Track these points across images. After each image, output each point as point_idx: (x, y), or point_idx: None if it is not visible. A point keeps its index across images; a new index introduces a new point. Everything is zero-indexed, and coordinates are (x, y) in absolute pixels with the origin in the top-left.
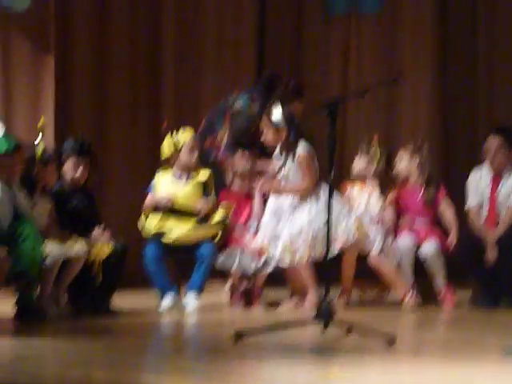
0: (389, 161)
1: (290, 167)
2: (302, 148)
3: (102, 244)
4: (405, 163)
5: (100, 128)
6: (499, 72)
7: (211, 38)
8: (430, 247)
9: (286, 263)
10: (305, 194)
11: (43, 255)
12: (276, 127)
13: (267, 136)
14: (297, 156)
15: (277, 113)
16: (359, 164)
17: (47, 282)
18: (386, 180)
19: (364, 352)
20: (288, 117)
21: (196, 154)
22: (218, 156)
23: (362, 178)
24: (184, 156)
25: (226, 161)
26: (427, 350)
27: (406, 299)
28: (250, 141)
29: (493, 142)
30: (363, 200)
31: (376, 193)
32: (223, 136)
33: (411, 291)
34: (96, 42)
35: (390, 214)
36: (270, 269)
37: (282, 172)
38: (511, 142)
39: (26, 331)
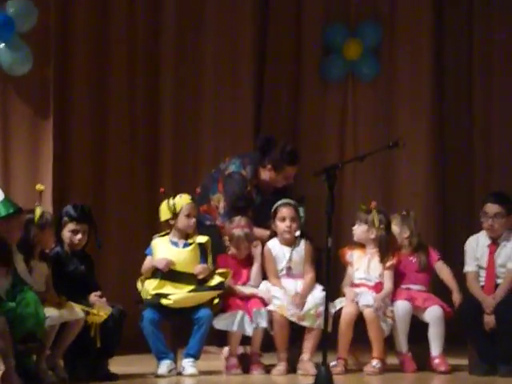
0: (388, 226)
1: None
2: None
3: (99, 309)
4: (395, 232)
5: (98, 192)
6: (495, 135)
7: (209, 99)
8: (434, 311)
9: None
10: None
11: (44, 318)
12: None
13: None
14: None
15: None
16: (359, 230)
17: (44, 347)
18: (387, 246)
19: None
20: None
21: (193, 220)
22: (216, 222)
23: (362, 244)
24: (181, 222)
25: (224, 227)
26: None
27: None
28: (246, 204)
29: (490, 209)
30: (363, 265)
31: (376, 258)
32: (218, 201)
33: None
34: (95, 107)
35: (388, 280)
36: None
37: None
38: (508, 208)
39: None
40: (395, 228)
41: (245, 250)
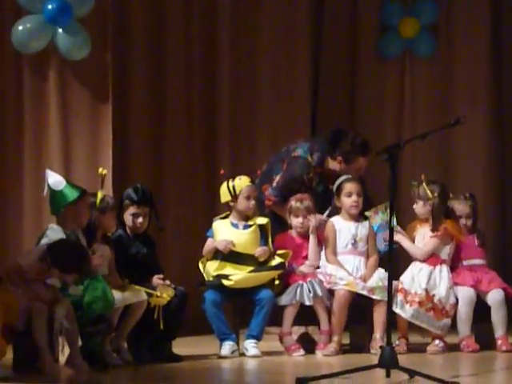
0: (445, 196)
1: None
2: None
3: (162, 291)
4: (458, 210)
5: (157, 175)
6: None
7: (266, 78)
8: (496, 295)
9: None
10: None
11: (113, 299)
12: None
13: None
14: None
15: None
16: (418, 207)
17: (112, 328)
18: (439, 214)
19: None
20: None
21: (253, 202)
22: (265, 195)
23: (426, 219)
24: (241, 203)
25: (272, 201)
26: None
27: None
28: (299, 188)
29: None
30: (420, 239)
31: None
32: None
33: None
34: (153, 90)
35: (428, 245)
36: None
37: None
38: None
39: (87, 379)
40: (458, 207)
41: (305, 221)
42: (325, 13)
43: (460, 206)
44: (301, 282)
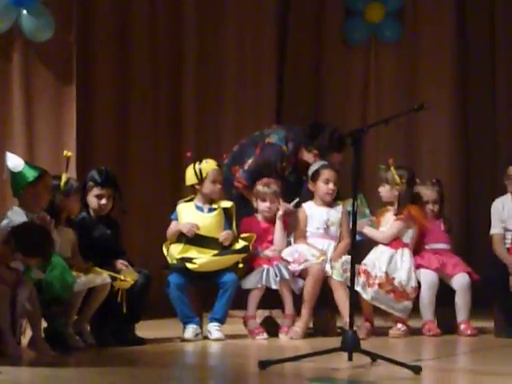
0: (412, 181)
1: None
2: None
3: (126, 274)
4: (425, 195)
5: (122, 158)
6: None
7: (232, 60)
8: (461, 279)
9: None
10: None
11: (72, 281)
12: None
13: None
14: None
15: None
16: (383, 191)
17: (71, 312)
18: (405, 199)
19: (391, 381)
20: None
21: (219, 186)
22: (236, 177)
23: (391, 204)
24: (207, 187)
25: (242, 184)
26: (454, 380)
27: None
28: (270, 175)
29: None
30: (386, 224)
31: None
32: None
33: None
34: (118, 72)
35: (391, 228)
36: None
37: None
38: None
39: (50, 361)
40: (425, 192)
41: (272, 205)
42: None
43: (427, 192)
44: (266, 266)
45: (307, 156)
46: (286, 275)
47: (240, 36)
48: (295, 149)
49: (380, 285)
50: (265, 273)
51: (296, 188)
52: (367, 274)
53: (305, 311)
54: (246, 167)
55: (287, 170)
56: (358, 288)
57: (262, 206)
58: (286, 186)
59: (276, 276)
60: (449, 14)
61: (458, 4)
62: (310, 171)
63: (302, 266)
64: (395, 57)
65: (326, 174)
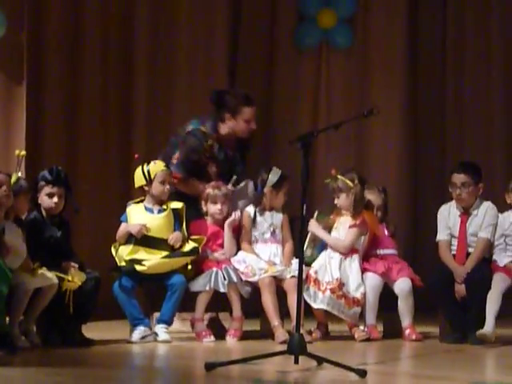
0: (362, 181)
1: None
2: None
3: (74, 275)
4: (373, 198)
5: (72, 158)
6: (467, 108)
7: (184, 63)
8: (403, 284)
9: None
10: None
11: (6, 289)
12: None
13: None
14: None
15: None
16: (341, 201)
17: (17, 312)
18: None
19: None
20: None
21: (168, 187)
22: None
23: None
24: (156, 188)
25: (178, 178)
26: None
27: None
28: (200, 159)
29: (457, 179)
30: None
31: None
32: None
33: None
34: (68, 75)
35: (349, 235)
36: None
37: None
38: (475, 177)
39: None
40: (371, 197)
41: (223, 207)
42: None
43: (373, 197)
44: (215, 268)
45: (224, 127)
46: (234, 278)
47: (191, 37)
48: (214, 126)
49: (331, 289)
50: (213, 275)
51: (226, 165)
52: (317, 282)
53: (278, 323)
54: (174, 161)
55: (215, 148)
56: (306, 297)
57: (213, 208)
58: (220, 167)
59: (224, 279)
60: (400, 20)
61: (409, 11)
62: (272, 180)
63: (250, 280)
64: (346, 63)
65: (287, 185)
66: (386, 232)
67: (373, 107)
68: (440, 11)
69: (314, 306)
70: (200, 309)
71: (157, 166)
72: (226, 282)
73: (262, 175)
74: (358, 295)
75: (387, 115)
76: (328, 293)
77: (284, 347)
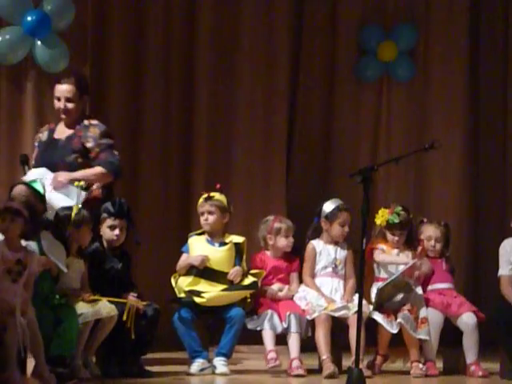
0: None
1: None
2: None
3: (134, 306)
4: (430, 233)
5: (132, 190)
6: None
7: (244, 100)
8: (468, 319)
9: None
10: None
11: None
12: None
13: None
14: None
15: None
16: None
17: (79, 343)
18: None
19: None
20: None
21: (205, 217)
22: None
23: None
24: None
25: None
26: None
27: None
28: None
29: None
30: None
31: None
32: None
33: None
34: (131, 105)
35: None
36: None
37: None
38: None
39: None
40: (429, 228)
41: (291, 239)
42: (303, 33)
43: (431, 228)
44: (270, 310)
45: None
46: (294, 328)
47: (253, 71)
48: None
49: (408, 310)
50: (268, 318)
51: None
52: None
53: (328, 357)
54: None
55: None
56: (378, 319)
57: (285, 242)
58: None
59: (281, 322)
60: (461, 53)
61: (471, 43)
62: (326, 210)
63: (309, 317)
64: (407, 95)
65: (343, 216)
66: (444, 266)
67: (434, 140)
68: (501, 45)
69: (389, 329)
70: (268, 342)
71: (200, 200)
72: (283, 326)
73: (320, 207)
74: (425, 314)
75: (448, 149)
76: (406, 312)
77: (332, 382)
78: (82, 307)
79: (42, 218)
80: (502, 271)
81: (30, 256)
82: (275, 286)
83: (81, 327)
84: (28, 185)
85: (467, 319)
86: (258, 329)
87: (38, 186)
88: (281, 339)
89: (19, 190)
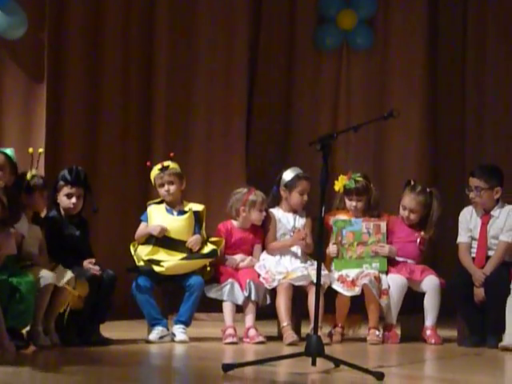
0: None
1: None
2: None
3: (79, 286)
4: (405, 202)
5: (91, 157)
6: (488, 110)
7: (203, 74)
8: (431, 281)
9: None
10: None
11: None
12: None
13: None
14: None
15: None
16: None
17: (40, 308)
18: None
19: None
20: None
21: (166, 188)
22: None
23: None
24: (159, 192)
25: None
26: None
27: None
28: None
29: (472, 183)
30: None
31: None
32: None
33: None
34: (89, 72)
35: None
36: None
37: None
38: (489, 182)
39: (15, 359)
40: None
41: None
42: (263, 0)
43: (408, 198)
44: (230, 280)
45: None
46: (253, 296)
47: (212, 39)
48: None
49: (374, 275)
50: (228, 288)
51: None
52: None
53: (289, 325)
54: None
55: None
56: (338, 288)
57: (258, 215)
58: None
59: (243, 292)
60: (420, 21)
61: (430, 11)
62: (285, 179)
63: (269, 287)
64: (366, 64)
65: (303, 185)
66: (417, 244)
67: (393, 109)
68: (460, 10)
69: (348, 294)
70: (227, 316)
71: (153, 171)
72: (244, 295)
73: (279, 175)
74: (386, 287)
75: (407, 117)
76: (371, 277)
77: (292, 349)
78: (42, 271)
79: (21, 202)
80: (461, 238)
81: (7, 242)
82: (238, 257)
83: (42, 290)
84: (3, 153)
85: (430, 281)
86: (219, 299)
87: (11, 153)
88: (240, 306)
89: None
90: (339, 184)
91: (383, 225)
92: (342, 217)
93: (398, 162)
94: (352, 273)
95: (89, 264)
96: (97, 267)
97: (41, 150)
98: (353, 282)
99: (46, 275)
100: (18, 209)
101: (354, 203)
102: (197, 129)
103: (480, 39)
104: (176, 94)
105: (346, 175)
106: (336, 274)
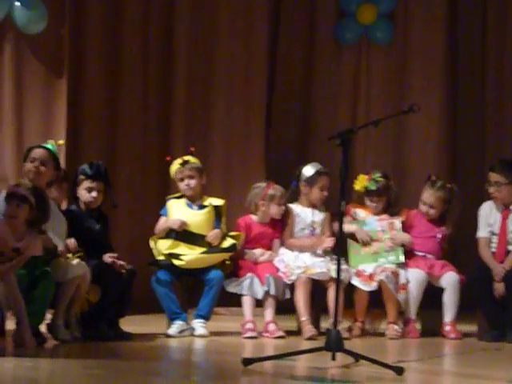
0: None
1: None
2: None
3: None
4: (424, 198)
5: (111, 152)
6: (508, 106)
7: (223, 62)
8: (451, 277)
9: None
10: None
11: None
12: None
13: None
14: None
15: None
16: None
17: (63, 302)
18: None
19: (373, 382)
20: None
21: (186, 182)
22: None
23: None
24: (180, 186)
25: None
26: (436, 382)
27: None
28: None
29: (491, 178)
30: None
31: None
32: None
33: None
34: (109, 66)
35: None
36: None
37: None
38: (509, 177)
39: (37, 353)
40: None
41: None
42: None
43: (427, 194)
44: (250, 274)
45: None
46: (273, 290)
47: (231, 35)
48: None
49: (391, 270)
50: (248, 282)
51: None
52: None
53: (308, 319)
54: None
55: None
56: (356, 283)
57: (277, 209)
58: None
59: (262, 286)
60: (440, 16)
61: (450, 7)
62: (305, 174)
63: (288, 281)
64: (386, 58)
65: (323, 180)
66: (438, 239)
67: (413, 104)
68: (481, 5)
69: (365, 288)
70: (247, 310)
71: (173, 165)
72: (264, 289)
73: (298, 170)
74: (405, 281)
75: (427, 112)
76: (388, 272)
77: (311, 343)
78: (69, 264)
79: (49, 204)
80: (480, 233)
81: (33, 243)
82: (257, 251)
83: (68, 282)
84: (46, 148)
85: (450, 277)
86: (238, 293)
87: (53, 148)
88: (259, 300)
89: (40, 153)
90: (360, 184)
91: (398, 222)
92: (359, 212)
93: (418, 155)
94: (369, 267)
95: (109, 258)
96: (123, 263)
97: (61, 141)
98: (370, 277)
99: (72, 268)
100: (46, 209)
101: (374, 204)
102: (216, 124)
103: (500, 33)
104: (196, 88)
105: (367, 175)
106: (353, 269)
